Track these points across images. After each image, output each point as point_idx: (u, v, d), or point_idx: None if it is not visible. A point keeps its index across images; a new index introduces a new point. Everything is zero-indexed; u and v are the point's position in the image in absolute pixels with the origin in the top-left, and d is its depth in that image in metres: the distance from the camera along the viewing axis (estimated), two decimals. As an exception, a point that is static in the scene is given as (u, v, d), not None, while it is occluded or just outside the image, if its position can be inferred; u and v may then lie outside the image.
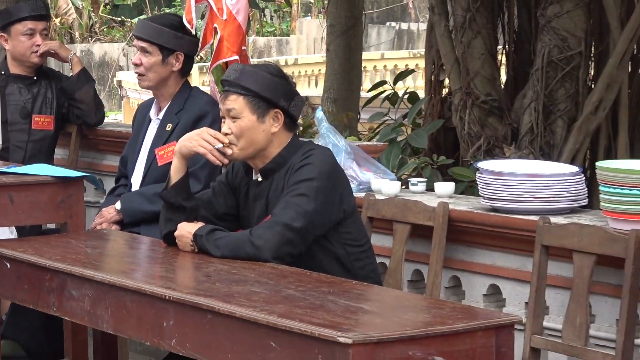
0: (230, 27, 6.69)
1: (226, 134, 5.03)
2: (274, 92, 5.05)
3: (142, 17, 10.05)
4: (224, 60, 6.66)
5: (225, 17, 6.65)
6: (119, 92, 26.39)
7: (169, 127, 6.56)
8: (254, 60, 10.11)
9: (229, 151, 5.05)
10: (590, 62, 8.42)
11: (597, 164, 5.40)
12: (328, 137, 6.28)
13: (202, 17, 6.95)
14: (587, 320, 5.04)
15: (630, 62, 8.38)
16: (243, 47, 6.81)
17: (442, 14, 8.72)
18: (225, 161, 5.11)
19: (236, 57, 6.66)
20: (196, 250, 5.04)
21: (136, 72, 6.63)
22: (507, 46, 9.06)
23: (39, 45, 7.43)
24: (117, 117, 20.83)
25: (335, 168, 5.19)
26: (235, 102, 5.02)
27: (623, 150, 8.01)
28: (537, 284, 5.20)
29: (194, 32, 6.72)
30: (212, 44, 6.77)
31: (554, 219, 5.28)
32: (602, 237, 4.98)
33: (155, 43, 6.65)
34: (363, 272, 5.10)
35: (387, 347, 3.77)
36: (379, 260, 5.61)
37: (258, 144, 5.02)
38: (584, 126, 7.96)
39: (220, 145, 5.01)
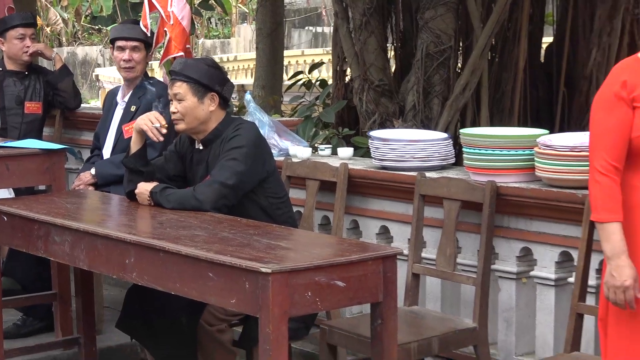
0: (176, 30, 6.81)
1: (174, 112, 5.09)
2: (210, 79, 5.13)
3: (115, 24, 10.12)
4: (172, 55, 6.76)
5: (172, 22, 6.75)
6: (97, 84, 26.94)
7: (133, 108, 6.66)
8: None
9: (163, 130, 5.20)
10: (458, 54, 8.50)
11: (461, 130, 5.52)
12: (255, 114, 6.43)
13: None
14: (454, 252, 5.15)
15: (489, 53, 8.45)
16: (187, 46, 6.98)
17: (344, 19, 8.75)
18: (161, 138, 5.23)
19: (182, 53, 6.84)
20: (152, 204, 5.10)
21: (126, 66, 6.67)
22: (395, 43, 9.11)
23: (28, 47, 7.54)
24: (97, 104, 20.84)
25: (259, 138, 5.30)
26: (180, 88, 5.10)
27: (485, 122, 8.09)
28: (416, 225, 5.31)
29: (149, 35, 6.78)
30: (163, 43, 6.85)
31: (428, 174, 5.39)
32: (465, 187, 5.07)
33: (143, 40, 6.82)
34: (282, 218, 5.17)
35: (299, 275, 3.90)
36: (295, 209, 5.66)
37: (199, 119, 5.10)
38: (454, 104, 8.03)
39: (158, 125, 5.16)
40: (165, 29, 6.86)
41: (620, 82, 3.71)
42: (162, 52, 7.06)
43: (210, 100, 5.11)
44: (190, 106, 5.07)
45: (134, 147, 5.28)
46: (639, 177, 3.70)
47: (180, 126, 5.15)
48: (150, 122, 5.18)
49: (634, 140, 3.66)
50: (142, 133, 5.22)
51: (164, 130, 5.20)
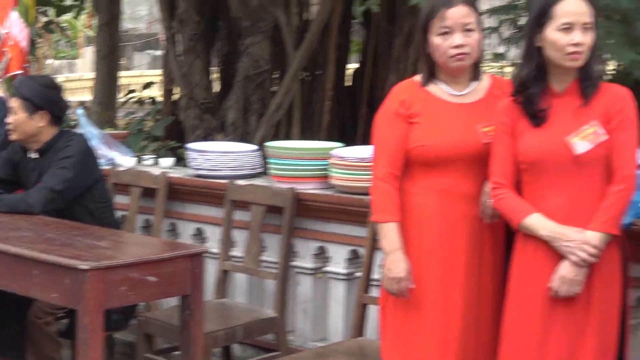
0: (16, 50, 6.68)
1: (9, 124, 5.14)
2: (41, 98, 5.17)
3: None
4: (12, 73, 6.64)
5: (12, 43, 6.63)
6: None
7: None
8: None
9: None
10: (273, 76, 8.60)
11: (266, 143, 5.58)
12: (86, 127, 6.40)
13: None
14: (259, 250, 5.21)
15: (301, 76, 8.60)
16: (25, 65, 6.79)
17: (173, 43, 8.78)
18: None
19: (21, 71, 6.65)
20: (-12, 208, 5.07)
21: None
22: (219, 65, 9.19)
23: None
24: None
25: (87, 148, 5.31)
26: (15, 103, 5.16)
27: (297, 137, 8.24)
28: (226, 226, 5.37)
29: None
30: (4, 62, 6.73)
31: (238, 182, 5.42)
32: (269, 193, 5.15)
33: None
34: (107, 221, 5.20)
35: (114, 271, 3.98)
36: (120, 213, 5.70)
37: (28, 133, 5.14)
38: (270, 120, 8.17)
39: None
40: (5, 49, 6.74)
41: (399, 101, 3.82)
42: (2, 71, 6.94)
43: (40, 117, 5.11)
44: (20, 120, 5.09)
45: None
46: (414, 184, 3.79)
47: (13, 136, 5.17)
48: None
49: (410, 152, 3.77)
50: None
51: None
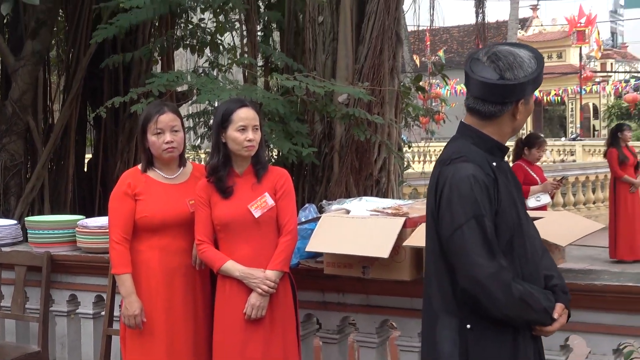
0: None
1: None
2: None
3: None
4: None
5: None
6: None
7: None
8: None
9: None
10: (28, 167, 8.33)
11: (26, 218, 5.34)
12: None
13: None
14: (24, 300, 4.96)
15: (49, 165, 8.42)
16: None
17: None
18: None
19: None
20: None
21: None
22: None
23: None
24: None
25: None
26: None
27: (47, 212, 8.01)
28: (-3, 284, 5.06)
29: None
30: None
31: (4, 249, 5.12)
32: (30, 256, 4.91)
33: None
34: None
35: None
36: None
37: None
38: (25, 200, 7.90)
39: None
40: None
41: (126, 184, 3.85)
42: None
43: None
44: None
45: None
46: (141, 243, 3.81)
47: None
48: None
49: (137, 221, 3.81)
50: None
51: None
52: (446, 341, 2.74)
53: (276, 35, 7.29)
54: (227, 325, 3.65)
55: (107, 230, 4.00)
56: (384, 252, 3.59)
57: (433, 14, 10.45)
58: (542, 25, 47.43)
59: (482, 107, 2.73)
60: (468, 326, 2.70)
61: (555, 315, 2.73)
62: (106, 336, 4.52)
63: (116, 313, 4.48)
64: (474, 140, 2.77)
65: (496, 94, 2.69)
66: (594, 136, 39.43)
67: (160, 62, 8.50)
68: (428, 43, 32.24)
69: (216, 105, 5.51)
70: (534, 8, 47.19)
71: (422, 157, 21.55)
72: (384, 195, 6.74)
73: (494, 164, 2.73)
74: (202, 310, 3.85)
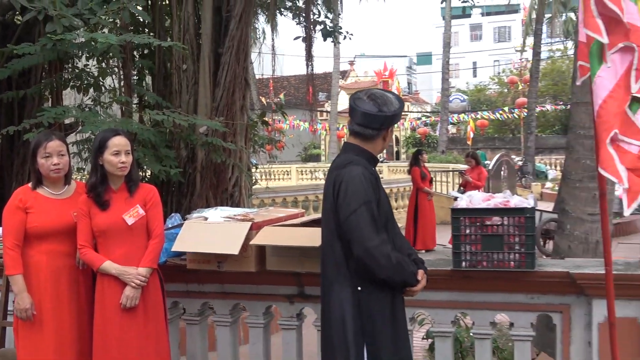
0: None
1: None
2: None
3: None
4: None
5: None
6: None
7: None
8: None
9: None
10: None
11: None
12: None
13: None
14: None
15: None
16: None
17: None
18: None
19: None
20: None
21: None
22: None
23: None
24: None
25: None
26: None
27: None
28: None
29: None
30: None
31: None
32: None
33: None
34: None
35: None
36: None
37: None
38: None
39: None
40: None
41: (18, 199, 3.64)
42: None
43: None
44: None
45: None
46: (32, 249, 3.60)
47: None
48: None
49: (28, 230, 3.59)
50: None
51: None
52: (342, 301, 2.93)
53: (148, 79, 7.12)
54: (107, 313, 3.52)
55: (1, 239, 3.77)
56: (234, 249, 3.62)
57: (275, 65, 10.58)
58: (357, 76, 49.02)
59: (364, 131, 2.98)
60: (359, 288, 2.91)
61: (419, 277, 3.01)
62: (1, 327, 4.23)
63: (10, 308, 4.15)
64: (357, 153, 3.01)
65: (375, 122, 2.96)
66: (397, 159, 41.10)
67: (50, 98, 8.05)
68: (271, 88, 32.50)
69: (98, 134, 5.33)
70: (352, 63, 48.74)
71: (266, 176, 21.61)
72: (237, 205, 6.72)
73: (373, 168, 3.02)
74: (85, 303, 3.68)
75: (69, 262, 3.65)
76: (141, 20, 6.15)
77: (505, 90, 41.74)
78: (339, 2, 16.79)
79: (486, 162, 20.15)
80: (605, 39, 2.64)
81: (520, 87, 34.72)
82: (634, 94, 2.58)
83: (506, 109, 37.16)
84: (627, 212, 2.73)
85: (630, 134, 2.54)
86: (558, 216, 5.87)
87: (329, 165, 3.36)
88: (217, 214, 4.00)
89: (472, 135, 34.24)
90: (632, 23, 2.61)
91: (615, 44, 2.63)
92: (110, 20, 5.47)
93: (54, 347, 3.57)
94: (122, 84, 6.65)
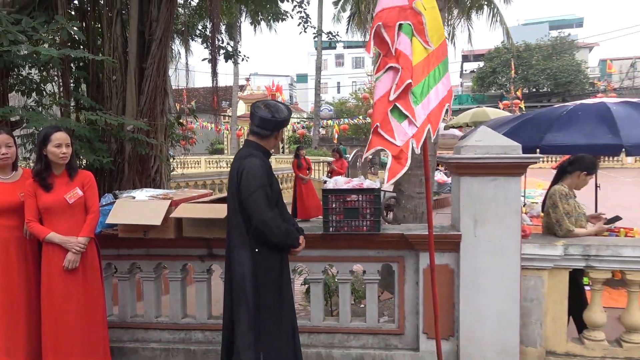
0: None
1: None
2: None
3: None
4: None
5: None
6: None
7: None
8: None
9: None
10: None
11: None
12: None
13: None
14: None
15: None
16: None
17: None
18: None
19: None
20: None
21: None
22: None
23: None
24: None
25: None
26: None
27: None
28: None
29: None
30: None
31: None
32: None
33: None
34: None
35: None
36: None
37: None
38: None
39: None
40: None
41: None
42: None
43: None
44: None
45: None
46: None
47: None
48: None
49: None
50: None
51: None
52: (243, 260, 2.92)
53: (84, 87, 6.67)
54: (52, 275, 3.32)
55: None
56: (157, 221, 3.55)
57: (187, 78, 10.30)
58: (252, 90, 48.50)
59: (261, 132, 2.98)
60: (256, 250, 2.91)
61: (300, 242, 3.09)
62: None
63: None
64: (255, 148, 3.01)
65: (269, 124, 2.96)
66: (282, 153, 41.12)
67: (-3, 99, 7.27)
68: (185, 96, 31.40)
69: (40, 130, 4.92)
70: (247, 79, 48.13)
71: (181, 165, 20.91)
72: (159, 187, 6.48)
73: (267, 160, 3.02)
74: (32, 268, 3.43)
75: (18, 234, 3.39)
76: (77, 38, 5.73)
77: (360, 103, 43.11)
78: (238, 32, 16.52)
79: (347, 155, 20.75)
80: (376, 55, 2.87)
81: (371, 102, 35.97)
82: (393, 102, 2.76)
83: (361, 117, 38.40)
84: (385, 186, 3.00)
85: (386, 130, 2.73)
86: (396, 195, 6.16)
87: (232, 157, 3.38)
88: (142, 194, 3.87)
89: (336, 135, 35.07)
90: (399, 50, 2.77)
91: (388, 63, 2.80)
92: (50, 37, 5.06)
93: (3, 304, 3.30)
94: (61, 89, 6.18)
